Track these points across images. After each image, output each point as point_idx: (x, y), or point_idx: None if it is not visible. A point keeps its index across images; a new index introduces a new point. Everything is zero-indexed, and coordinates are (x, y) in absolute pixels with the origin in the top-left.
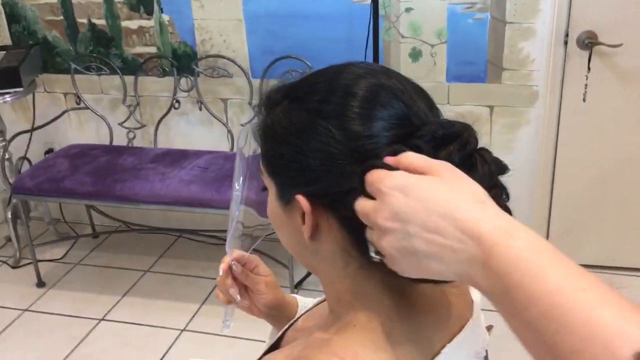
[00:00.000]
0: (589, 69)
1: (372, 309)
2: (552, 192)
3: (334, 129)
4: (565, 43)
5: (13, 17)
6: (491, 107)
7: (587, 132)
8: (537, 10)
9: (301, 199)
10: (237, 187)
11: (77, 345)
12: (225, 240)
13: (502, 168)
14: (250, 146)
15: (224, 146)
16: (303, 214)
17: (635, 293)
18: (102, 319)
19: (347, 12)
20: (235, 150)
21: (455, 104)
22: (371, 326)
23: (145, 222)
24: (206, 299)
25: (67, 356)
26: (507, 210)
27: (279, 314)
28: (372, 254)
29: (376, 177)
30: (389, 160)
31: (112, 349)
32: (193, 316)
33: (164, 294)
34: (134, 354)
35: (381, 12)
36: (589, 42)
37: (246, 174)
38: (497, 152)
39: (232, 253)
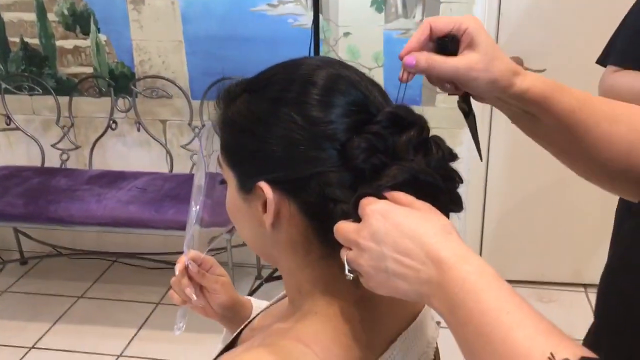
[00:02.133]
0: None
1: (332, 296)
2: (484, 211)
3: (296, 115)
4: None
5: None
6: None
7: (515, 153)
8: None
9: (263, 186)
10: (199, 183)
11: None
12: (163, 262)
13: (453, 155)
14: (211, 143)
15: (162, 167)
16: (264, 203)
17: (563, 306)
18: (32, 347)
19: (287, 35)
20: (175, 171)
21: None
22: (331, 312)
23: (78, 246)
24: (143, 324)
25: None
26: (458, 196)
27: (233, 315)
28: (347, 272)
29: (365, 201)
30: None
31: None
32: (130, 341)
33: (98, 319)
34: None
35: (321, 35)
36: None
37: (207, 170)
38: None
39: (189, 253)
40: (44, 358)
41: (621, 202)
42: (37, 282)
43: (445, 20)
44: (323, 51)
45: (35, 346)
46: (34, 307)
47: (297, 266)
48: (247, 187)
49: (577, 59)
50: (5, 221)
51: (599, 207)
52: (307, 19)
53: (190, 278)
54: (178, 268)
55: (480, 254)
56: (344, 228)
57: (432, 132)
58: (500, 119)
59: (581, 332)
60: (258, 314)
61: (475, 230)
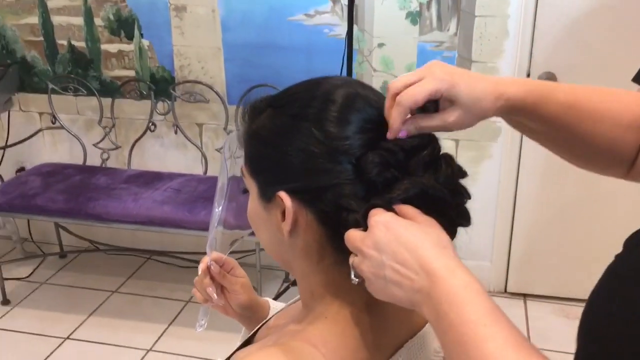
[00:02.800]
0: None
1: (342, 301)
2: (512, 224)
3: (315, 130)
4: None
5: None
6: (457, 141)
7: (546, 168)
8: (502, 51)
9: (283, 195)
10: (221, 188)
11: None
12: (194, 261)
13: (462, 173)
14: (235, 151)
15: (197, 170)
16: (283, 211)
17: None
18: (67, 338)
19: (322, 45)
20: (209, 174)
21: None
22: (341, 317)
23: (115, 242)
24: (173, 320)
25: None
26: (466, 211)
27: (252, 315)
28: (352, 277)
29: (372, 212)
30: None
31: None
32: (160, 336)
33: (131, 314)
34: None
35: (355, 46)
36: None
37: (229, 177)
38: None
39: (212, 254)
40: (78, 349)
41: None
42: (75, 275)
43: (421, 97)
44: (357, 61)
45: (70, 337)
46: (71, 299)
47: (311, 271)
48: (267, 195)
49: (610, 77)
50: (46, 216)
51: (629, 223)
52: (343, 30)
53: (212, 278)
54: (201, 268)
55: (507, 267)
56: (352, 236)
57: (463, 144)
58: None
59: None
60: (274, 314)
61: (503, 244)
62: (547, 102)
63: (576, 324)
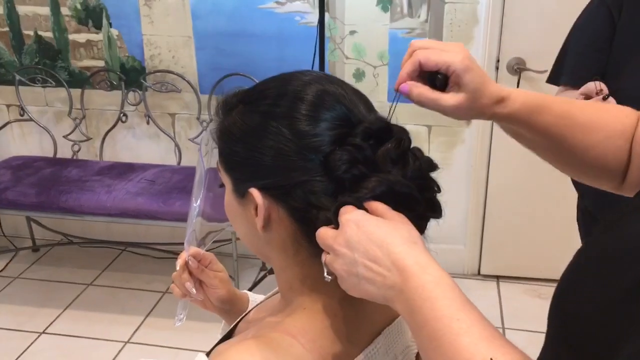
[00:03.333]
0: None
1: (319, 293)
2: (485, 207)
3: (284, 128)
4: (497, 68)
5: None
6: (429, 127)
7: (517, 150)
8: (471, 37)
9: (254, 192)
10: (198, 184)
11: (16, 359)
12: (170, 252)
13: (432, 166)
14: (210, 147)
15: (171, 160)
16: (256, 207)
17: None
18: (43, 332)
19: (294, 33)
20: (183, 164)
21: (395, 123)
22: (318, 308)
23: (88, 235)
24: (151, 311)
25: None
26: (437, 204)
27: (231, 308)
28: (325, 274)
29: (343, 210)
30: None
31: None
32: (137, 328)
33: (107, 306)
34: None
35: (327, 34)
36: (517, 67)
37: (206, 171)
38: None
39: (189, 249)
40: (54, 343)
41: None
42: (49, 269)
43: (435, 60)
44: (329, 49)
45: (45, 331)
46: (45, 293)
47: (288, 264)
48: (240, 191)
49: None
50: (18, 210)
51: None
52: (314, 17)
53: (190, 273)
54: (179, 264)
55: (480, 249)
56: (323, 234)
57: (436, 130)
58: None
59: None
60: (253, 307)
61: (476, 228)
62: (542, 112)
63: (548, 303)
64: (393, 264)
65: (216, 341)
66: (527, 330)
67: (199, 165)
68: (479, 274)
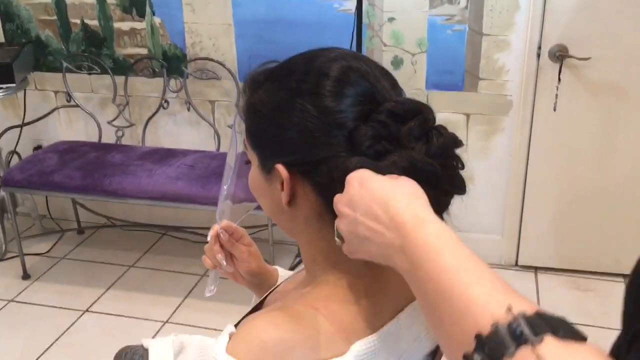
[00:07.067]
0: (559, 80)
1: (342, 268)
2: (524, 196)
3: (309, 105)
4: (538, 55)
5: (7, 16)
6: (468, 115)
7: (557, 140)
8: (512, 23)
9: (280, 168)
10: (230, 162)
11: (61, 335)
12: (207, 236)
13: (457, 142)
14: (240, 126)
15: (210, 146)
16: (282, 182)
17: (598, 296)
18: (86, 311)
19: (332, 20)
20: (222, 150)
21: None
22: (341, 283)
23: (131, 218)
24: (189, 294)
25: (51, 345)
26: (461, 180)
27: (261, 282)
28: (336, 238)
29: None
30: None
31: (95, 339)
32: (176, 309)
33: (147, 288)
34: (116, 343)
35: (365, 20)
36: (559, 54)
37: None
38: (473, 158)
39: (222, 222)
40: (97, 321)
41: None
42: (93, 250)
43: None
44: (367, 36)
45: (89, 310)
46: (89, 274)
47: (312, 239)
48: (267, 167)
49: (621, 48)
50: (64, 192)
51: None
52: (352, 4)
53: (222, 246)
54: (211, 235)
55: (519, 239)
56: (336, 198)
57: (475, 117)
58: (543, 106)
59: (615, 322)
60: (283, 281)
61: (514, 218)
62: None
63: (587, 295)
64: (392, 220)
65: (246, 313)
66: None
67: (232, 144)
68: (516, 265)
